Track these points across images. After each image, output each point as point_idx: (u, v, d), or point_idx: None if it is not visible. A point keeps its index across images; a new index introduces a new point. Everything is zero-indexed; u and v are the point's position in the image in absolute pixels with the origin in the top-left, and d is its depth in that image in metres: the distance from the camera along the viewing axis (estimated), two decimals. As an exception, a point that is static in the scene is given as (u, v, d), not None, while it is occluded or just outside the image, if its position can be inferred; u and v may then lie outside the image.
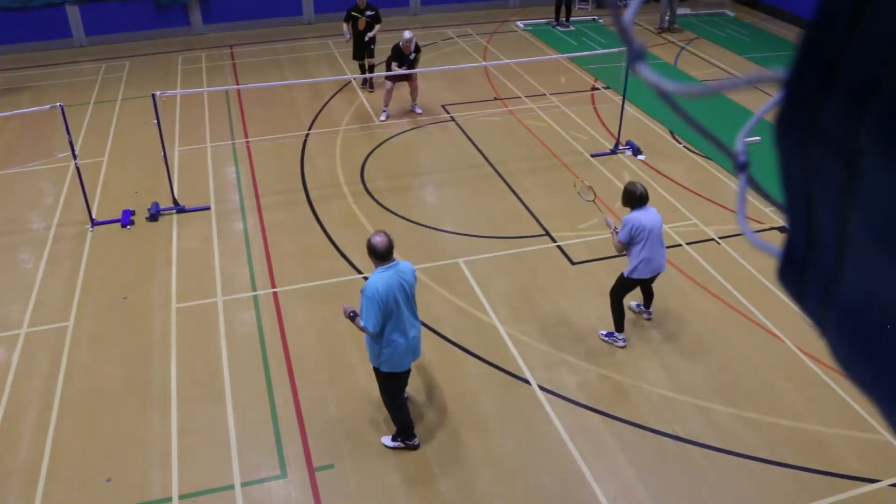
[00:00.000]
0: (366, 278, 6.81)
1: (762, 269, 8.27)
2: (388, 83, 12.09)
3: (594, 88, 13.59)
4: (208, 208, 9.74)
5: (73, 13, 16.24)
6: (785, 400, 6.62)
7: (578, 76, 14.20)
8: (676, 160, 10.93)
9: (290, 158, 11.11)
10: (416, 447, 6.14)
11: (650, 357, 7.14)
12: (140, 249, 8.90)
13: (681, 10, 17.56)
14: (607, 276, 7.88)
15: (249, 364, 7.09)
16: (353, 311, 5.68)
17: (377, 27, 12.97)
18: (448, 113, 12.57)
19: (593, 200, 7.64)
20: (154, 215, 9.50)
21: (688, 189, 10.08)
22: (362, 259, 8.17)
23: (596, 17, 17.95)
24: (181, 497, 5.79)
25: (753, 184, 0.72)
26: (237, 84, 13.90)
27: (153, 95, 9.17)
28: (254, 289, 8.16)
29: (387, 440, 6.17)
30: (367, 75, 13.06)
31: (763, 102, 0.77)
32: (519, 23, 17.51)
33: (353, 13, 12.89)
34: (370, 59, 13.21)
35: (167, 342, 7.38)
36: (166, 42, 16.59)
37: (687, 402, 6.62)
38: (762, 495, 5.76)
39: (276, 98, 13.19)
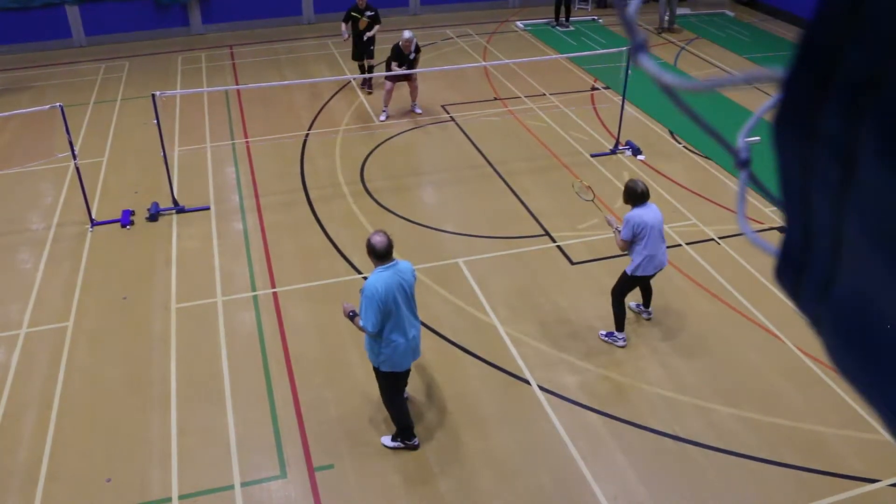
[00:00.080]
0: (365, 278, 6.81)
1: (762, 269, 8.27)
2: (388, 83, 12.08)
3: (594, 88, 13.59)
4: (208, 208, 9.74)
5: (73, 13, 16.24)
6: (785, 400, 6.62)
7: (578, 76, 14.20)
8: (676, 160, 10.93)
9: (289, 158, 11.10)
10: (415, 447, 6.14)
11: (650, 357, 7.14)
12: (140, 249, 8.90)
13: (680, 11, 17.57)
14: (607, 276, 7.88)
15: (249, 364, 7.09)
16: (353, 311, 5.68)
17: (376, 27, 12.98)
18: (448, 113, 12.57)
19: (592, 200, 7.64)
20: (154, 215, 9.50)
21: (688, 189, 10.08)
22: (362, 259, 8.16)
23: (595, 17, 17.95)
24: (181, 497, 5.79)
25: (754, 181, 0.73)
26: (237, 84, 13.90)
27: (153, 95, 9.17)
28: (253, 289, 8.16)
29: (386, 440, 6.17)
30: (367, 76, 13.07)
31: (762, 102, 0.77)
32: (519, 23, 17.51)
33: (352, 13, 12.88)
34: (369, 60, 13.21)
35: (167, 342, 7.38)
36: (166, 42, 16.59)
37: (687, 402, 6.62)
38: (762, 495, 5.76)
39: (275, 98, 13.19)
